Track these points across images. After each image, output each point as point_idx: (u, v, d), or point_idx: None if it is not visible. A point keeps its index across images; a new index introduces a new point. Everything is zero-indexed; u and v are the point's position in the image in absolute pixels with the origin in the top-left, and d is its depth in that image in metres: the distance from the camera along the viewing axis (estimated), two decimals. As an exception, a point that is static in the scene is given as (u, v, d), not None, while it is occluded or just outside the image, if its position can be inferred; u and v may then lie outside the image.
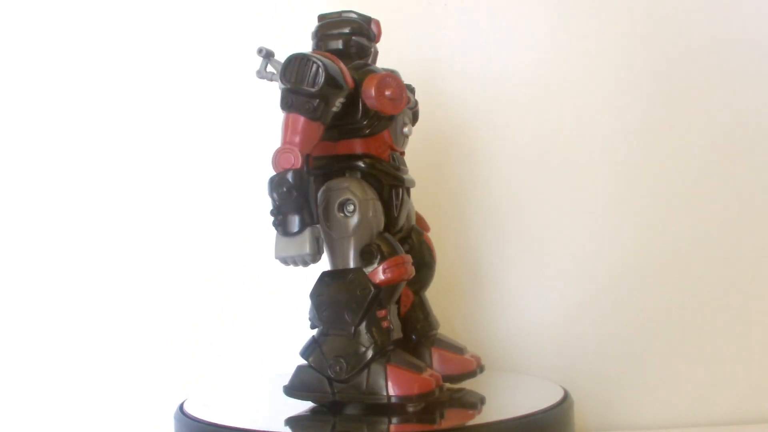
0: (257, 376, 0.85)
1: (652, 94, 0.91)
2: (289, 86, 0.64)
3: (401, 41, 0.70)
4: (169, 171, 0.93)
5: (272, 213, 0.63)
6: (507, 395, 0.77)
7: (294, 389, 0.67)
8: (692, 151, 0.91)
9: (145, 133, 0.93)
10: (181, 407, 0.71)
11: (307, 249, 0.63)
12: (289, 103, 0.64)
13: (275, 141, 0.69)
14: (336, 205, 0.66)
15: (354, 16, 0.71)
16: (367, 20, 0.71)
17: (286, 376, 0.70)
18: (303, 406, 0.68)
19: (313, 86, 0.64)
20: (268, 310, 0.91)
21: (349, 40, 0.70)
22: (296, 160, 0.63)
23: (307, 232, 0.63)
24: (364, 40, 0.70)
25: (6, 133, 0.93)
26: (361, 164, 0.68)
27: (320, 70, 0.64)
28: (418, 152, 0.77)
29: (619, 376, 0.90)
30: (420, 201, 0.74)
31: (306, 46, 0.71)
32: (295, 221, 0.63)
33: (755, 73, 0.91)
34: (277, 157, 0.63)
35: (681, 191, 0.91)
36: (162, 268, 0.92)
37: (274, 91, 0.70)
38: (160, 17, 0.93)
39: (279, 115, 0.65)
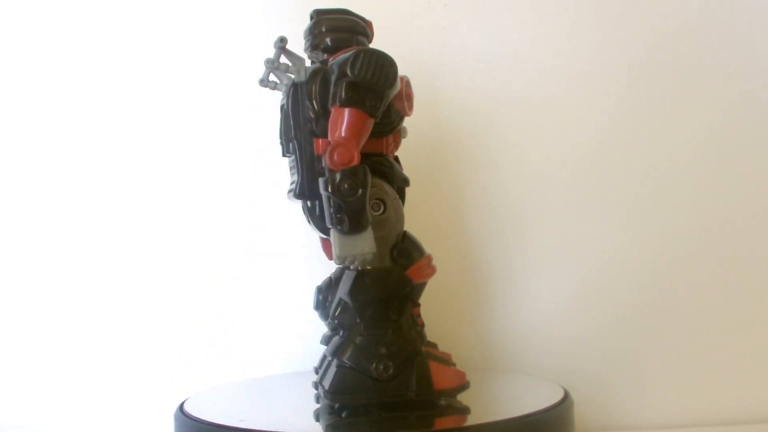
0: (257, 376, 0.85)
1: (655, 93, 0.91)
2: (357, 81, 0.62)
3: (401, 41, 0.70)
4: (169, 172, 0.93)
5: (334, 211, 0.61)
6: (507, 395, 0.77)
7: (339, 393, 0.64)
8: (692, 153, 0.91)
9: (145, 134, 0.93)
10: (181, 407, 0.71)
11: (373, 247, 0.61)
12: (352, 98, 0.62)
13: (276, 141, 0.69)
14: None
15: (354, 16, 0.71)
16: (364, 21, 0.71)
17: (286, 376, 0.71)
18: (311, 407, 0.68)
19: (385, 85, 0.62)
20: (268, 310, 0.91)
21: (355, 39, 0.70)
22: (355, 156, 0.61)
23: (370, 230, 0.61)
24: (365, 41, 0.70)
25: (6, 134, 0.93)
26: (381, 164, 0.68)
27: (395, 69, 0.63)
28: (419, 152, 0.77)
29: (619, 376, 0.90)
30: (419, 201, 0.74)
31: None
32: (359, 219, 0.61)
33: (759, 72, 0.91)
34: (333, 153, 0.61)
35: (680, 192, 0.91)
36: (162, 268, 0.92)
37: (274, 91, 0.70)
38: (161, 18, 0.93)
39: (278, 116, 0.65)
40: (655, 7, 0.92)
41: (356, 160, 0.61)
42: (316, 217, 0.67)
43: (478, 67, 0.92)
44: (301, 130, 0.66)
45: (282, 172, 0.71)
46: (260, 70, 0.70)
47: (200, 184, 0.93)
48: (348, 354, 0.64)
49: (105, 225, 0.92)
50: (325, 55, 0.69)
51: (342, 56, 0.63)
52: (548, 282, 0.91)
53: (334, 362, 0.65)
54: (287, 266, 0.78)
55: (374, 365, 0.63)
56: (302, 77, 0.66)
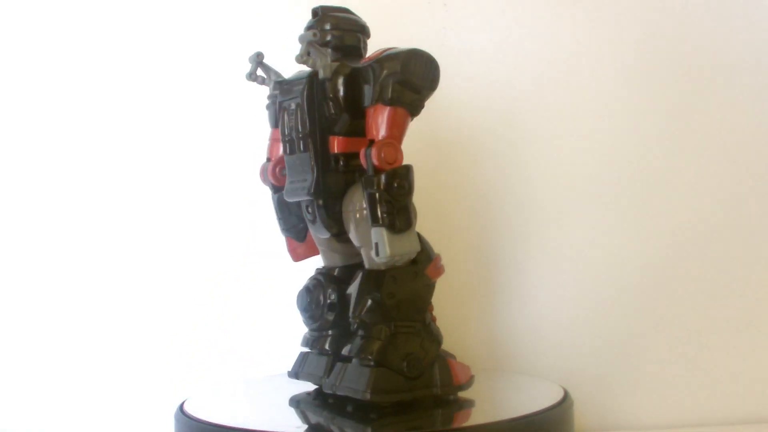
0: (257, 376, 0.85)
1: (658, 93, 0.91)
2: (406, 80, 0.63)
3: (400, 41, 0.70)
4: (168, 172, 0.93)
5: (385, 210, 0.61)
6: (507, 395, 0.77)
7: (380, 392, 0.63)
8: (694, 154, 0.91)
9: (144, 134, 0.93)
10: (181, 407, 0.71)
11: (418, 245, 0.63)
12: (399, 97, 0.63)
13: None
14: None
15: (355, 15, 0.71)
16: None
17: (286, 376, 0.70)
18: (304, 407, 0.68)
19: (431, 87, 0.64)
20: (268, 310, 0.91)
21: (363, 40, 0.70)
22: (401, 155, 0.62)
23: (414, 228, 0.63)
24: (367, 41, 0.70)
25: (5, 134, 0.93)
26: None
27: (439, 73, 0.65)
28: (421, 153, 0.77)
29: (618, 377, 0.90)
30: (419, 201, 0.74)
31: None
32: (408, 217, 0.62)
33: (765, 74, 0.91)
34: (381, 151, 0.61)
35: (681, 193, 0.91)
36: (162, 268, 0.92)
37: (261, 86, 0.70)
38: (161, 17, 0.93)
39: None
40: (659, 7, 0.92)
41: (401, 159, 0.62)
42: (324, 217, 0.66)
43: (478, 68, 0.92)
44: (319, 127, 0.66)
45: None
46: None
47: (200, 184, 0.93)
48: (380, 353, 0.63)
49: (105, 226, 0.92)
50: (337, 54, 0.68)
51: (390, 54, 0.64)
52: (548, 282, 0.91)
53: (359, 362, 0.64)
54: (287, 266, 0.78)
55: (405, 363, 0.64)
56: (327, 74, 0.65)
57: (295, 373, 0.71)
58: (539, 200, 0.92)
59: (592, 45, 0.92)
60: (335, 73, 0.65)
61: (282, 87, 0.68)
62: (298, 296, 0.71)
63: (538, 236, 0.91)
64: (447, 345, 0.71)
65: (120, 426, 0.91)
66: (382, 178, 0.61)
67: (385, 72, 0.63)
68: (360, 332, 0.65)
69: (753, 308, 0.90)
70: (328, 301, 0.69)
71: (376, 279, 0.64)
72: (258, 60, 0.71)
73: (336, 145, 0.66)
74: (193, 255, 0.92)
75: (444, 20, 0.92)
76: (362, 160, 0.63)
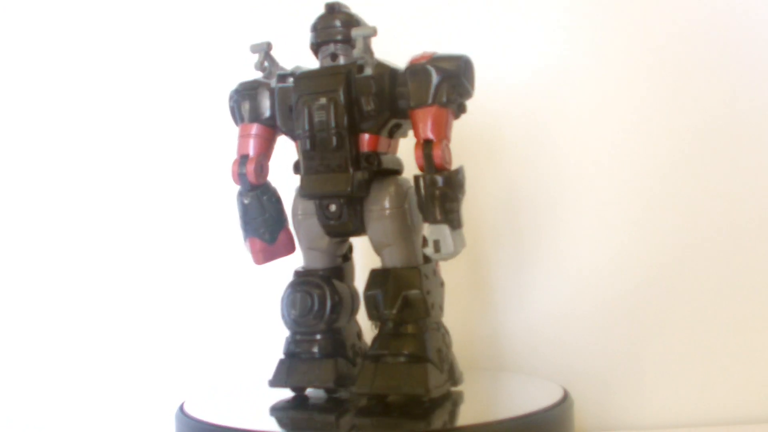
0: (257, 376, 0.85)
1: (660, 94, 0.91)
2: (459, 85, 0.65)
3: (402, 44, 0.70)
4: (168, 171, 0.93)
5: (451, 208, 0.63)
6: (507, 395, 0.77)
7: (434, 388, 0.64)
8: (695, 154, 0.91)
9: (144, 134, 0.93)
10: (181, 407, 0.71)
11: (465, 242, 0.65)
12: (454, 101, 0.65)
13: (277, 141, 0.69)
14: (413, 202, 0.66)
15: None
16: None
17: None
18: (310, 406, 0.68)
19: (473, 92, 0.67)
20: (269, 309, 0.91)
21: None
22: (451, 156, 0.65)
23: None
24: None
25: (4, 134, 0.93)
26: (399, 163, 0.70)
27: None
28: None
29: (619, 376, 0.90)
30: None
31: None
32: (461, 216, 0.64)
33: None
34: (443, 152, 0.64)
35: (681, 193, 0.91)
36: (162, 268, 0.92)
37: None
38: (161, 15, 0.93)
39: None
40: (658, 5, 0.92)
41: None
42: (351, 215, 0.67)
43: (479, 68, 0.92)
44: (356, 124, 0.66)
45: (282, 171, 0.71)
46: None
47: (200, 184, 0.93)
48: (423, 349, 0.64)
49: (105, 226, 0.93)
50: (354, 52, 0.67)
51: (444, 57, 0.65)
52: (548, 282, 0.91)
53: (405, 360, 0.64)
54: (288, 267, 0.77)
55: (438, 360, 0.65)
56: (370, 72, 0.66)
57: (284, 381, 0.69)
58: (540, 200, 0.92)
59: (594, 45, 0.92)
60: (383, 71, 0.66)
61: (304, 80, 0.67)
62: (295, 300, 0.69)
63: (539, 236, 0.91)
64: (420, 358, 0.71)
65: (120, 426, 0.91)
66: (445, 177, 0.63)
67: (442, 75, 0.64)
68: (395, 330, 0.65)
69: (753, 308, 0.90)
70: (331, 302, 0.68)
71: (409, 277, 0.65)
72: (267, 50, 0.69)
73: (367, 143, 0.66)
74: (193, 255, 0.92)
75: (447, 23, 0.92)
76: (419, 160, 0.64)
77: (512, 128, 0.92)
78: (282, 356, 0.70)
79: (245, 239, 0.72)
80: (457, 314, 0.90)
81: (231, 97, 0.71)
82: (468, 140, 0.92)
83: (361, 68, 0.66)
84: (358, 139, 0.66)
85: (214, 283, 0.92)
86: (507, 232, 0.92)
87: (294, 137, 0.69)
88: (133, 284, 0.92)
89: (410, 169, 0.71)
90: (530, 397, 0.73)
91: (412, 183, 0.65)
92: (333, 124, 0.65)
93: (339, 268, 0.71)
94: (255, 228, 0.71)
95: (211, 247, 0.93)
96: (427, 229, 0.64)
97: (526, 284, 0.91)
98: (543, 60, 0.92)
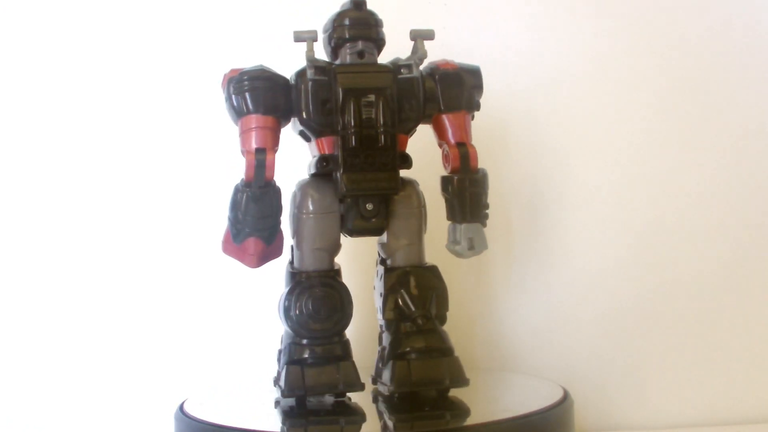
0: (258, 376, 0.85)
1: (661, 94, 0.91)
2: (480, 94, 0.70)
3: (400, 41, 0.70)
4: (168, 171, 0.93)
5: (484, 207, 0.69)
6: (507, 395, 0.77)
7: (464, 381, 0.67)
8: (697, 154, 0.91)
9: (144, 134, 0.93)
10: (181, 407, 0.71)
11: None
12: (476, 106, 0.70)
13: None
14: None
15: None
16: None
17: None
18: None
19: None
20: (269, 309, 0.91)
21: None
22: None
23: None
24: None
25: (3, 134, 0.93)
26: None
27: None
28: (422, 152, 0.77)
29: (619, 376, 0.90)
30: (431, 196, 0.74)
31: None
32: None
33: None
34: (476, 155, 0.68)
35: (681, 193, 0.91)
36: (162, 267, 0.92)
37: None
38: (160, 14, 0.93)
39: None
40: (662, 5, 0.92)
41: None
42: (385, 213, 0.68)
43: (488, 68, 0.91)
44: (399, 124, 0.66)
45: (282, 171, 0.71)
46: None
47: (201, 183, 0.93)
48: (449, 343, 0.67)
49: (104, 225, 0.92)
50: (377, 52, 0.68)
51: (468, 68, 0.70)
52: (549, 282, 0.91)
53: (440, 354, 0.66)
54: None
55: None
56: (416, 73, 0.67)
57: (303, 390, 0.64)
58: (540, 200, 0.92)
59: (593, 45, 0.92)
60: (419, 74, 0.68)
61: (348, 75, 0.65)
62: (320, 303, 0.66)
63: (539, 235, 0.91)
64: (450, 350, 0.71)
65: (120, 426, 0.91)
66: (480, 178, 0.68)
67: (472, 82, 0.69)
68: (418, 327, 0.66)
69: (753, 308, 0.90)
70: (348, 302, 0.67)
71: (431, 275, 0.68)
72: (315, 39, 0.66)
73: (402, 143, 0.68)
74: (193, 254, 0.92)
75: (444, 20, 0.92)
76: (454, 161, 0.68)
77: (513, 129, 0.92)
78: (287, 363, 0.65)
79: (241, 241, 0.67)
80: (457, 314, 0.90)
81: (240, 84, 0.66)
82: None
83: (405, 69, 0.67)
84: (399, 139, 0.67)
85: (214, 283, 0.92)
86: (508, 232, 0.92)
87: (324, 133, 0.66)
88: (132, 284, 0.92)
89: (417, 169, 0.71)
90: (530, 397, 0.73)
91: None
92: (381, 121, 0.65)
93: (339, 269, 0.70)
94: (259, 228, 0.67)
95: (211, 247, 0.92)
96: (458, 228, 0.68)
97: (527, 284, 0.91)
98: (542, 59, 0.92)
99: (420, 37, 0.67)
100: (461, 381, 0.65)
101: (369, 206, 0.66)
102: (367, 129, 0.65)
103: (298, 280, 0.68)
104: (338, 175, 0.66)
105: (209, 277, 0.92)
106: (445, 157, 0.69)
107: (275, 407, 0.68)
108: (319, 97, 0.66)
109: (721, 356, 0.90)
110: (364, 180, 0.65)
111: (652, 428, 0.89)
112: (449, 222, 0.70)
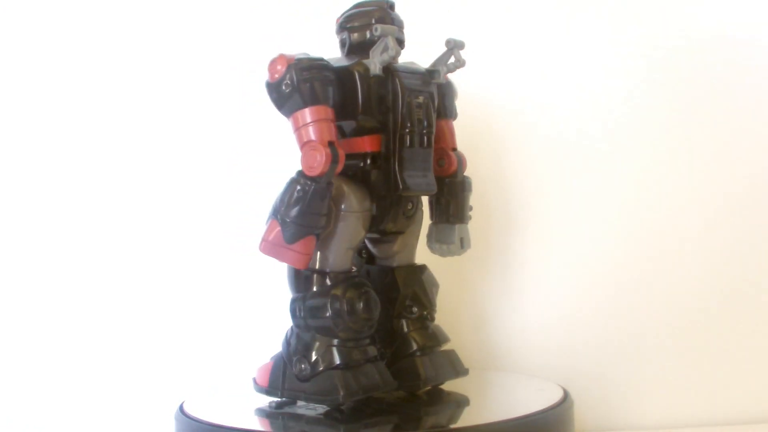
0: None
1: (660, 93, 0.91)
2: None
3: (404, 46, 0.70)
4: (169, 171, 0.93)
5: (470, 207, 0.73)
6: (507, 395, 0.77)
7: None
8: (696, 154, 0.91)
9: (144, 134, 0.93)
10: (181, 407, 0.71)
11: None
12: (457, 113, 0.73)
13: (275, 140, 0.69)
14: None
15: None
16: None
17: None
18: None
19: None
20: (269, 309, 0.91)
21: None
22: None
23: None
24: None
25: (3, 134, 0.93)
26: None
27: None
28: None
29: (619, 377, 0.90)
30: (423, 198, 0.74)
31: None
32: None
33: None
34: (465, 160, 0.72)
35: (682, 193, 0.91)
36: (162, 267, 0.92)
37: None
38: (161, 14, 0.93)
39: (279, 114, 0.65)
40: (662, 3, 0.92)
41: None
42: (414, 215, 0.69)
43: (482, 71, 0.92)
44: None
45: (282, 171, 0.71)
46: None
47: (201, 183, 0.93)
48: (445, 337, 0.71)
49: (104, 225, 0.93)
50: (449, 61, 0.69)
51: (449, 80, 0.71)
52: (548, 281, 0.91)
53: (444, 347, 0.70)
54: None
55: None
56: (444, 80, 0.69)
57: (352, 392, 0.63)
58: (539, 199, 0.92)
59: (593, 46, 0.92)
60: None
61: (403, 75, 0.65)
62: (366, 302, 0.63)
63: (538, 235, 0.92)
64: (447, 344, 0.72)
65: (120, 426, 0.91)
66: (469, 181, 0.72)
67: (455, 91, 0.71)
68: (423, 323, 0.69)
69: (753, 308, 0.90)
70: (376, 303, 0.65)
71: (429, 273, 0.71)
72: (395, 35, 0.66)
73: None
74: (193, 254, 0.92)
75: (448, 25, 0.92)
76: (454, 166, 0.70)
77: (512, 129, 0.92)
78: (333, 367, 0.63)
79: (297, 239, 0.62)
80: (457, 314, 0.90)
81: (309, 71, 0.62)
82: (467, 140, 0.92)
83: (435, 74, 0.68)
84: None
85: (215, 283, 0.92)
86: (509, 232, 0.92)
87: (374, 131, 0.65)
88: (132, 284, 0.92)
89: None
90: (530, 397, 0.73)
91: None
92: (426, 123, 0.66)
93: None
94: (321, 225, 0.62)
95: (211, 247, 0.93)
96: (451, 228, 0.71)
97: (526, 284, 0.91)
98: (544, 62, 0.92)
99: (457, 47, 0.68)
100: (464, 372, 0.70)
101: (409, 205, 0.67)
102: (419, 129, 0.66)
103: (343, 279, 0.64)
104: (392, 172, 0.64)
105: (209, 278, 0.92)
106: (439, 161, 0.70)
107: (274, 409, 0.68)
108: (378, 93, 0.65)
109: (721, 356, 0.90)
110: (417, 179, 0.66)
111: (652, 428, 0.89)
112: (434, 223, 0.72)
